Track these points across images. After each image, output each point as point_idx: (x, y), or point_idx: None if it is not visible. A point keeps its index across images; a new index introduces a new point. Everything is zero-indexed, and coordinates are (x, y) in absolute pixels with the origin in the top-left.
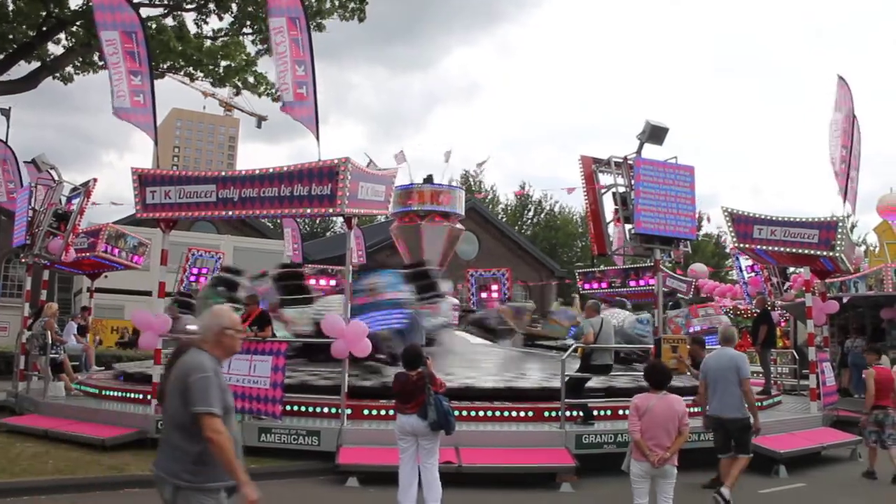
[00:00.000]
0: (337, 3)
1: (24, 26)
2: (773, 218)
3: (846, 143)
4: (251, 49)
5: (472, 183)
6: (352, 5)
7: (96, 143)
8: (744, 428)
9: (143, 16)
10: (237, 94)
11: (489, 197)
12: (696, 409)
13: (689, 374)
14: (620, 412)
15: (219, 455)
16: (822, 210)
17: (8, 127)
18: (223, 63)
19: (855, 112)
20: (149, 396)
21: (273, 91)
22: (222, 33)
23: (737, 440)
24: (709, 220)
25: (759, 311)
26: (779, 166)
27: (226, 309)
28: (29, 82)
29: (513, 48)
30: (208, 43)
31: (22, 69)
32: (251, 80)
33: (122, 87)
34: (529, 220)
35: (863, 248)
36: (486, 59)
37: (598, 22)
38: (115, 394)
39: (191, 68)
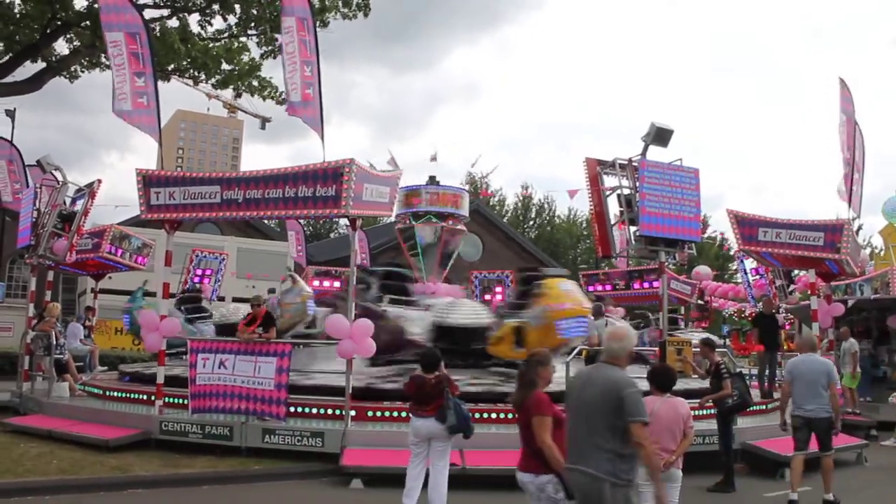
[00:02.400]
0: (341, 2)
1: (30, 28)
2: (778, 220)
3: (850, 146)
4: (256, 52)
5: (479, 184)
6: (356, 1)
7: (97, 143)
8: (829, 428)
9: (148, 17)
10: (238, 96)
11: (495, 198)
12: (702, 413)
13: (693, 375)
14: None
15: (648, 460)
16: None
17: (13, 128)
18: (227, 66)
19: (856, 115)
20: (153, 397)
21: (276, 94)
22: (226, 35)
23: (822, 440)
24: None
25: (768, 314)
26: (779, 166)
27: (631, 329)
28: (34, 83)
29: (513, 48)
30: (212, 45)
31: (27, 70)
32: (255, 83)
33: (124, 88)
34: (532, 222)
35: (868, 250)
36: (487, 59)
37: (597, 22)
38: (119, 394)
39: (195, 71)
